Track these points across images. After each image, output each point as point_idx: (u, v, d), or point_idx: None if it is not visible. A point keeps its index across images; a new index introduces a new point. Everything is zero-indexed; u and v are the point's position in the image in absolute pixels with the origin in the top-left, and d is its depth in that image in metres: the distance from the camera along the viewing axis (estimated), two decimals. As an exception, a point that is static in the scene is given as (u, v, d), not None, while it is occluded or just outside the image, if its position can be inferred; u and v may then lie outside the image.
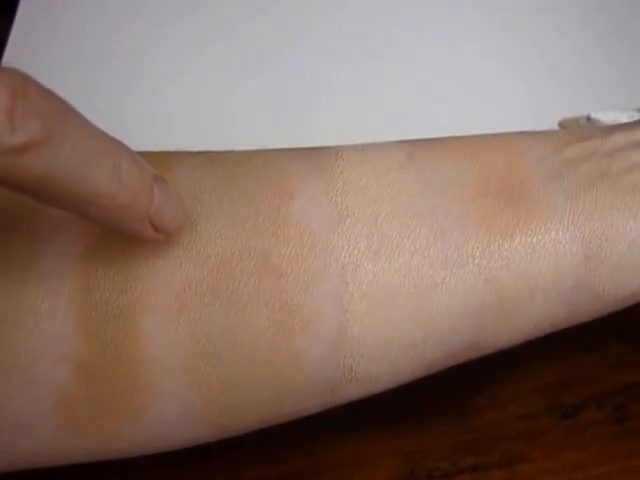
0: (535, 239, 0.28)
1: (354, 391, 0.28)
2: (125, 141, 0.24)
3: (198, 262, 0.26)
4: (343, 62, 0.44)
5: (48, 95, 0.21)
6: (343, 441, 0.32)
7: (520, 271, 0.28)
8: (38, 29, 0.43)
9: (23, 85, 0.20)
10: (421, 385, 0.32)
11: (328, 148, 0.30)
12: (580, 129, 0.32)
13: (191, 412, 0.27)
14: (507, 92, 0.44)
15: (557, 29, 0.46)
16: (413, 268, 0.27)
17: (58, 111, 0.21)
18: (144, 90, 0.42)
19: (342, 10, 0.46)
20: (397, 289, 0.27)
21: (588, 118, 0.40)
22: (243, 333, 0.26)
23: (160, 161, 0.28)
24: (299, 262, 0.27)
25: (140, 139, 0.27)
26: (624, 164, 0.29)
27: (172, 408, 0.27)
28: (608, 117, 0.40)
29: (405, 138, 0.31)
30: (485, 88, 0.44)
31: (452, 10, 0.46)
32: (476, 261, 0.28)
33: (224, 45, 0.45)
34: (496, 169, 0.29)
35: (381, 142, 0.30)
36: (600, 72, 0.44)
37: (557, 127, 0.41)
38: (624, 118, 0.40)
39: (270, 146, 0.30)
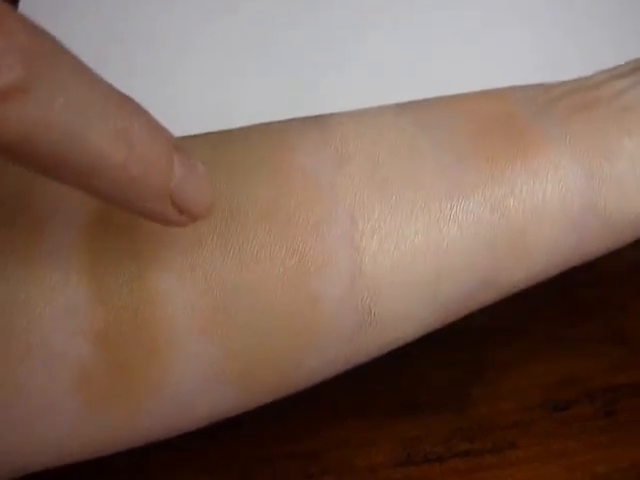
0: (536, 163, 0.28)
1: (375, 338, 0.28)
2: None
3: (208, 217, 0.24)
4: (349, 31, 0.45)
5: (33, 30, 0.17)
6: (347, 425, 0.34)
7: (525, 195, 0.28)
8: (42, 11, 0.44)
9: (5, 17, 0.17)
10: (423, 379, 0.34)
11: (321, 115, 0.30)
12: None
13: (212, 371, 0.26)
14: (516, 47, 0.44)
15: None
16: (419, 202, 0.27)
17: (49, 51, 0.17)
18: (149, 71, 0.43)
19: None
20: (405, 224, 0.27)
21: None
22: (258, 281, 0.26)
23: None
24: (307, 207, 0.26)
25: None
26: (611, 91, 0.29)
27: (193, 370, 0.26)
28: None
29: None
30: (495, 50, 0.45)
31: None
32: (480, 190, 0.28)
33: (230, 24, 0.46)
34: (486, 111, 0.29)
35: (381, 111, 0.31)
36: (613, 23, 0.45)
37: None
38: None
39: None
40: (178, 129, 0.26)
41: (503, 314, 0.33)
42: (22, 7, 0.45)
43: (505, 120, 0.29)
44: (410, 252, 0.27)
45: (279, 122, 0.30)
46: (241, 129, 0.29)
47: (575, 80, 0.31)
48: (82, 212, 0.25)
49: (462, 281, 0.28)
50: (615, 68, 0.31)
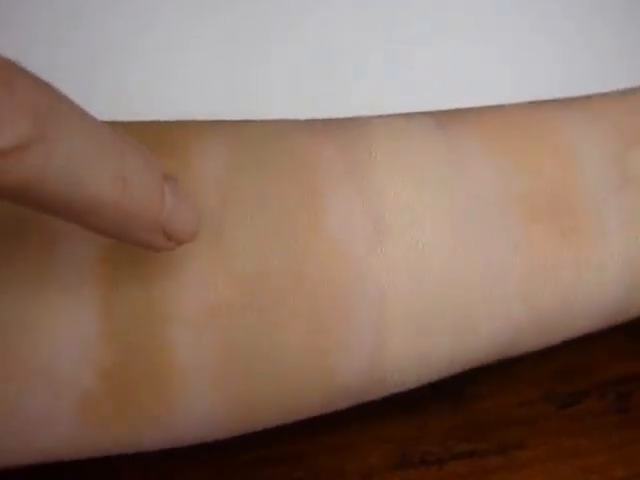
0: (582, 265, 0.27)
1: (381, 394, 0.28)
2: (132, 108, 0.23)
3: (227, 278, 0.25)
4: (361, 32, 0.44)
5: (39, 84, 0.18)
6: (338, 427, 0.31)
7: (563, 299, 0.27)
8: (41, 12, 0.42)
9: (9, 75, 0.17)
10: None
11: (359, 140, 0.27)
12: None
13: (215, 418, 0.26)
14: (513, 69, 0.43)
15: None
16: (454, 290, 0.26)
17: (51, 106, 0.18)
18: (154, 52, 0.41)
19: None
20: (437, 310, 0.26)
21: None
22: (275, 351, 0.25)
23: (176, 138, 0.26)
24: (336, 288, 0.25)
25: (150, 107, 0.26)
26: None
27: (197, 411, 0.26)
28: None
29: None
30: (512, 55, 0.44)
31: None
32: (518, 286, 0.27)
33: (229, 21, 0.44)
34: (544, 181, 0.27)
35: (413, 126, 0.28)
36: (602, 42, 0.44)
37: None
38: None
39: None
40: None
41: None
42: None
43: (564, 199, 0.27)
44: (435, 334, 0.27)
45: (305, 136, 0.27)
46: (266, 148, 0.27)
47: None
48: (100, 241, 0.24)
49: (480, 354, 0.28)
50: None
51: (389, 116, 0.28)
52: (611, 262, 0.27)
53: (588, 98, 0.30)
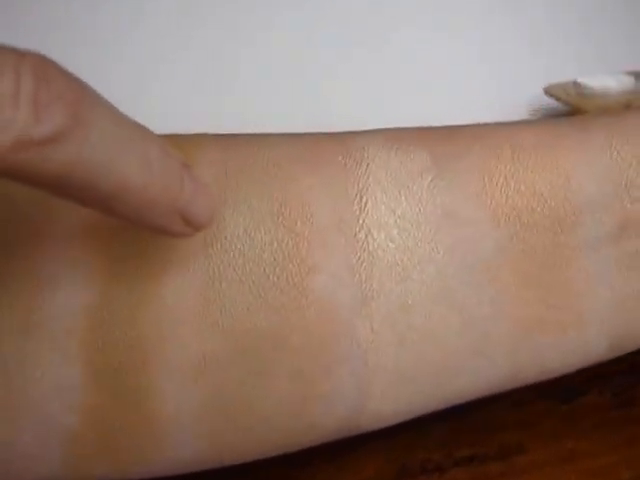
0: (567, 340, 0.27)
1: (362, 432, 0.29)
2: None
3: (214, 333, 0.25)
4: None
5: (72, 79, 0.19)
6: None
7: (546, 367, 0.28)
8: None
9: (46, 69, 0.18)
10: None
11: (349, 186, 0.27)
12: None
13: (199, 458, 0.27)
14: (488, 62, 0.42)
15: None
16: (437, 355, 0.27)
17: (83, 96, 0.19)
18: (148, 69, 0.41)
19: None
20: (419, 374, 0.27)
21: (575, 83, 0.39)
22: (259, 402, 0.26)
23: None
24: (320, 345, 0.26)
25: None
26: None
27: (180, 455, 0.26)
28: (595, 81, 0.38)
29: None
30: (464, 60, 0.42)
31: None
32: (502, 354, 0.27)
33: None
34: (539, 244, 0.27)
35: (408, 169, 0.27)
36: (581, 37, 0.43)
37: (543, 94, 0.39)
38: (613, 83, 0.38)
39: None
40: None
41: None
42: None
43: (559, 268, 0.27)
44: (417, 397, 0.27)
45: (298, 167, 0.27)
46: (255, 181, 0.26)
47: None
48: (87, 290, 0.25)
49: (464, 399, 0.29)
50: None
51: (384, 151, 0.27)
52: (596, 338, 0.28)
53: None
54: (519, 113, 0.40)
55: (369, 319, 0.26)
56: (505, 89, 0.40)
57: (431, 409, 0.28)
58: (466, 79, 0.41)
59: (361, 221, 0.26)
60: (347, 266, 0.26)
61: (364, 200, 0.26)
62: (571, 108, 0.38)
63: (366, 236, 0.26)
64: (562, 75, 0.39)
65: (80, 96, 0.19)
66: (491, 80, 0.41)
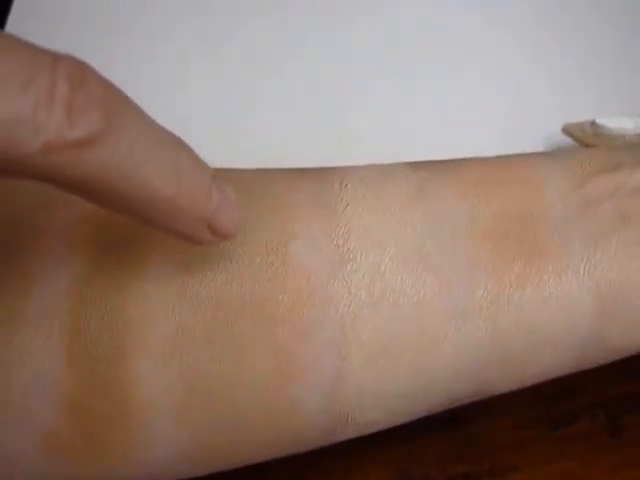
0: (547, 292, 0.26)
1: (351, 434, 0.28)
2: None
3: (192, 306, 0.25)
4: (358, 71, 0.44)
5: (107, 85, 0.20)
6: (339, 450, 0.31)
7: (529, 325, 0.27)
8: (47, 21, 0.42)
9: (81, 73, 0.19)
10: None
11: (333, 173, 0.28)
12: (608, 150, 0.30)
13: (182, 453, 0.26)
14: (506, 99, 0.43)
15: (556, 35, 0.45)
16: (416, 319, 0.26)
17: (117, 102, 0.20)
18: (151, 88, 0.41)
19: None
20: (398, 340, 0.26)
21: (592, 123, 0.40)
22: (237, 379, 0.25)
23: None
24: (296, 310, 0.26)
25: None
26: None
27: (163, 448, 0.26)
28: (613, 122, 0.39)
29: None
30: (482, 96, 0.43)
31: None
32: (483, 314, 0.26)
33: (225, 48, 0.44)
34: (510, 207, 0.27)
35: (390, 167, 0.29)
36: (600, 77, 0.44)
37: (560, 133, 0.40)
38: (630, 124, 0.39)
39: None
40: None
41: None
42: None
43: (529, 224, 0.27)
44: (397, 368, 0.26)
45: (282, 182, 0.28)
46: (240, 191, 0.26)
47: (620, 167, 0.28)
48: (70, 278, 0.25)
49: (449, 393, 0.27)
50: None
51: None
52: (577, 288, 0.27)
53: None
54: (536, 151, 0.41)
55: (345, 282, 0.26)
56: (522, 126, 0.41)
57: (418, 385, 0.27)
58: (483, 114, 0.42)
59: (341, 197, 0.27)
60: (324, 232, 0.26)
61: (344, 184, 0.28)
62: (586, 147, 0.39)
63: (345, 207, 0.27)
64: (581, 113, 0.40)
65: (114, 102, 0.19)
66: (508, 116, 0.42)
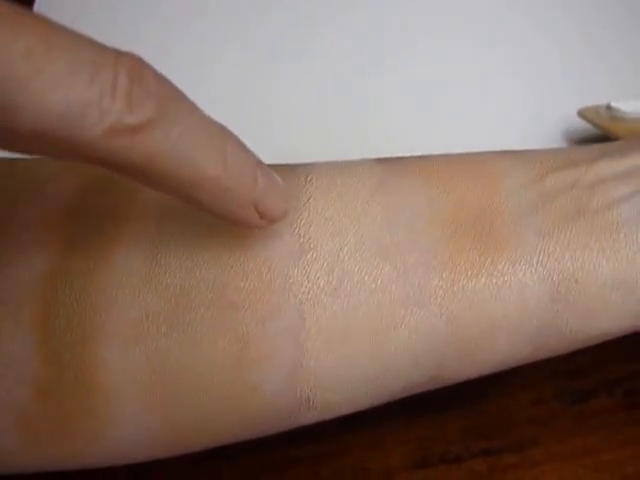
0: (501, 280, 0.27)
1: (314, 417, 0.28)
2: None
3: (156, 293, 0.26)
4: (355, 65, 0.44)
5: (161, 78, 0.22)
6: (357, 425, 0.32)
7: (483, 312, 0.27)
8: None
9: (140, 68, 0.21)
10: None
11: (299, 169, 0.29)
12: (567, 149, 0.31)
13: (149, 435, 0.27)
14: (523, 83, 0.43)
15: (571, 19, 0.45)
16: (373, 306, 0.27)
17: (170, 94, 0.22)
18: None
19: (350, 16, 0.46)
20: (355, 326, 0.27)
21: (608, 107, 0.40)
22: (199, 364, 0.26)
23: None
24: (256, 296, 0.26)
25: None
26: (604, 200, 0.28)
27: (130, 431, 0.27)
28: (629, 106, 0.40)
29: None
30: (499, 81, 0.44)
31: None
32: (438, 301, 0.27)
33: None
34: (469, 200, 0.28)
35: (355, 161, 0.30)
36: (616, 61, 0.44)
37: (576, 116, 0.41)
38: (645, 107, 0.40)
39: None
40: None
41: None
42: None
43: (486, 216, 0.28)
44: (356, 353, 0.27)
45: None
46: None
47: (578, 163, 0.29)
48: (41, 264, 0.26)
49: (407, 379, 0.28)
50: (622, 155, 0.29)
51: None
52: (530, 277, 0.27)
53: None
54: (552, 135, 0.41)
55: (305, 270, 0.27)
56: (539, 110, 0.42)
57: (376, 370, 0.27)
58: (499, 100, 0.42)
59: (305, 190, 0.28)
60: (287, 222, 0.27)
61: (309, 178, 0.29)
62: (603, 131, 0.40)
63: (308, 200, 0.28)
64: (597, 97, 0.41)
65: (168, 94, 0.22)
66: (524, 101, 0.42)
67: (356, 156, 0.31)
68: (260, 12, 0.47)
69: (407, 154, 0.31)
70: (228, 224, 0.26)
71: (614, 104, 0.40)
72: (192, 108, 0.23)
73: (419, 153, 0.31)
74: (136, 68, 0.21)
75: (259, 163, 0.24)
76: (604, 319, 0.28)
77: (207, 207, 0.24)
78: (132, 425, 0.26)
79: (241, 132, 0.24)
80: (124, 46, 0.21)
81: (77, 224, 0.27)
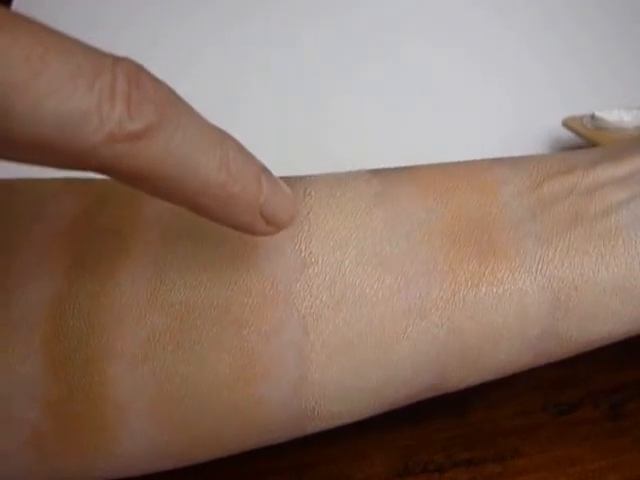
0: (501, 289, 0.27)
1: (318, 427, 0.29)
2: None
3: (162, 311, 0.26)
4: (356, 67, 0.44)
5: (159, 83, 0.21)
6: (339, 435, 0.32)
7: (484, 321, 0.27)
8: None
9: (137, 73, 0.21)
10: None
11: (297, 182, 0.29)
12: (563, 154, 0.31)
13: (157, 448, 0.27)
14: (508, 93, 0.44)
15: (555, 29, 0.45)
16: (375, 318, 0.27)
17: (169, 98, 0.21)
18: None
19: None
20: (358, 339, 0.27)
21: (592, 117, 0.40)
22: (205, 380, 0.27)
23: (134, 194, 0.28)
24: (260, 312, 0.27)
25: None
26: (602, 205, 0.28)
27: (139, 445, 0.27)
28: (612, 115, 0.40)
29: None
30: (484, 90, 0.44)
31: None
32: (439, 312, 0.27)
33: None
34: (467, 209, 0.28)
35: (352, 173, 0.30)
36: (600, 71, 0.44)
37: (561, 126, 0.41)
38: (629, 117, 0.40)
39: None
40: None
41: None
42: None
43: (484, 225, 0.28)
44: (359, 365, 0.27)
45: None
46: None
47: (575, 169, 0.29)
48: (51, 287, 0.27)
49: (409, 387, 0.28)
50: (619, 160, 0.29)
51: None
52: (530, 285, 0.27)
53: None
54: (536, 144, 0.41)
55: (307, 284, 0.27)
56: (523, 120, 0.42)
57: (379, 380, 0.28)
58: (483, 109, 0.42)
59: (304, 204, 0.28)
60: (288, 237, 0.27)
61: (307, 191, 0.29)
62: (587, 141, 0.40)
63: (308, 213, 0.28)
64: (582, 107, 0.41)
65: (167, 99, 0.21)
66: (509, 111, 0.42)
67: (342, 160, 0.30)
68: (244, 13, 0.46)
69: (390, 164, 0.31)
70: (230, 241, 0.27)
71: (598, 114, 0.40)
72: (191, 112, 0.22)
73: (403, 162, 0.31)
74: (134, 73, 0.20)
75: (263, 168, 0.24)
76: (604, 325, 0.28)
77: (212, 214, 0.23)
78: (141, 440, 0.27)
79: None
80: (108, 43, 0.21)
81: (82, 245, 0.27)
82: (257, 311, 0.27)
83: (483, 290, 0.27)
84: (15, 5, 0.45)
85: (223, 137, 0.23)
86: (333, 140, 0.39)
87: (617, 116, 0.40)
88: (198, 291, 0.27)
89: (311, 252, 0.27)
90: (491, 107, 0.42)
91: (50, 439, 0.26)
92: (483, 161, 0.30)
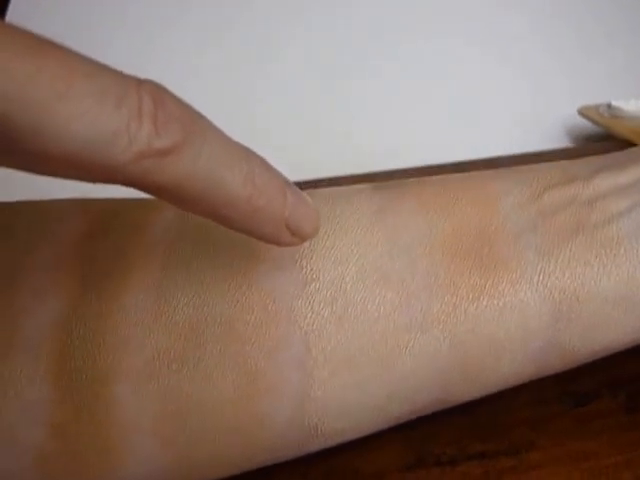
0: (502, 302, 0.27)
1: (321, 445, 0.29)
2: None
3: (166, 330, 0.27)
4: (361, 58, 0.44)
5: (181, 102, 0.22)
6: None
7: (486, 334, 0.27)
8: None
9: (161, 93, 0.21)
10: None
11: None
12: (563, 164, 0.31)
13: (162, 468, 0.27)
14: (524, 82, 0.43)
15: (570, 18, 0.45)
16: (377, 334, 0.27)
17: (193, 117, 0.22)
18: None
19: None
20: (360, 354, 0.27)
21: (609, 106, 0.40)
22: (209, 398, 0.27)
23: (138, 215, 0.29)
24: (263, 329, 0.27)
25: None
26: (603, 215, 0.28)
27: (144, 465, 0.27)
28: (629, 105, 0.39)
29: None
30: (500, 79, 0.44)
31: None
32: (441, 325, 0.27)
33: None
34: (467, 222, 0.28)
35: (352, 189, 0.30)
36: (616, 60, 0.44)
37: (576, 115, 0.40)
38: (645, 106, 0.39)
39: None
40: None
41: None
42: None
43: (485, 238, 0.28)
44: (362, 380, 0.27)
45: None
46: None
47: (575, 179, 0.29)
48: (58, 309, 0.27)
49: (412, 402, 0.28)
50: (620, 169, 0.29)
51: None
52: (531, 297, 0.27)
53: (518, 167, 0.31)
54: (553, 133, 0.41)
55: (309, 300, 0.27)
56: (540, 109, 0.42)
57: (381, 395, 0.28)
58: (500, 99, 0.42)
59: None
60: (289, 253, 0.27)
61: None
62: (603, 130, 0.39)
63: None
64: (597, 97, 0.40)
65: (192, 118, 0.22)
66: (526, 100, 0.42)
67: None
68: (245, 10, 0.46)
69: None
70: (232, 259, 0.27)
71: (615, 103, 0.40)
72: (215, 130, 0.23)
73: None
74: (158, 93, 0.21)
75: (287, 182, 0.25)
76: (606, 335, 0.28)
77: (239, 227, 0.24)
78: (146, 459, 0.27)
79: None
80: (105, 49, 0.21)
81: (89, 265, 0.28)
82: (259, 328, 0.27)
83: (484, 303, 0.27)
84: (11, 10, 0.44)
85: (247, 153, 0.23)
86: (351, 133, 0.39)
87: (633, 105, 0.39)
88: (201, 309, 0.27)
89: (312, 268, 0.28)
90: (508, 96, 0.42)
91: (56, 460, 0.27)
92: (483, 173, 0.30)
